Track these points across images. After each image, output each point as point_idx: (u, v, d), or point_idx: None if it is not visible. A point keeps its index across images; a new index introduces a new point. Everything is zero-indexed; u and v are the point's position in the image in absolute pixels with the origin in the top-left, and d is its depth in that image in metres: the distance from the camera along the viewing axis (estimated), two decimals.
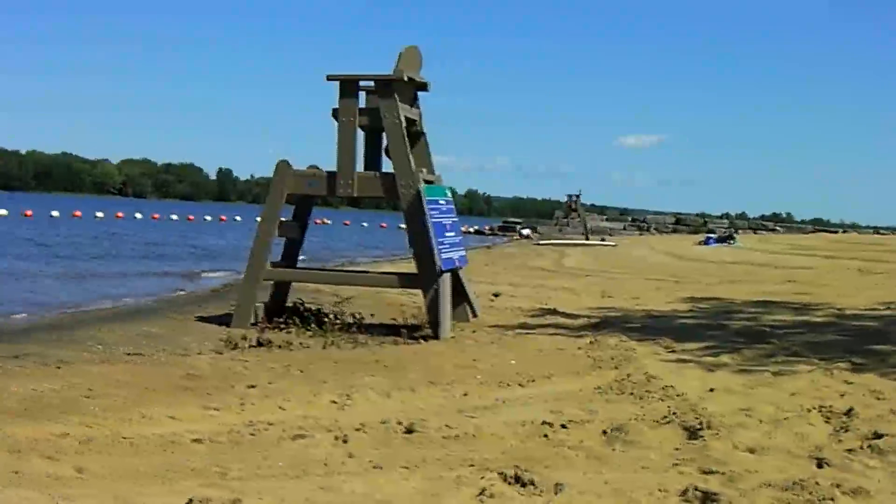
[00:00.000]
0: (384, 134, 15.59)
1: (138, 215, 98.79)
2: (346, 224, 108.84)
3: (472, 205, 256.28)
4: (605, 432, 7.95)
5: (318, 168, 15.95)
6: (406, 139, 15.28)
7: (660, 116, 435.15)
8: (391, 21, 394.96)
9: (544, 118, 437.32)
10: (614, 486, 6.46)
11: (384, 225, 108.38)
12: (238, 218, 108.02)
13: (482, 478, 6.57)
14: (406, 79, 15.41)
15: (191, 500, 5.85)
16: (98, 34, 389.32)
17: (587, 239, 71.07)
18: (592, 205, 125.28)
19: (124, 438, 7.76)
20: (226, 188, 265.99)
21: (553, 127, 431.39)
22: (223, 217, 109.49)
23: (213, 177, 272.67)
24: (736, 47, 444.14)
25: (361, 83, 15.62)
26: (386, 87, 15.33)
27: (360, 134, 15.77)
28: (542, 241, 69.68)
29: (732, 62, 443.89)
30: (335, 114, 15.49)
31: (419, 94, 16.54)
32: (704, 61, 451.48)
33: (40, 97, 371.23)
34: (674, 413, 8.61)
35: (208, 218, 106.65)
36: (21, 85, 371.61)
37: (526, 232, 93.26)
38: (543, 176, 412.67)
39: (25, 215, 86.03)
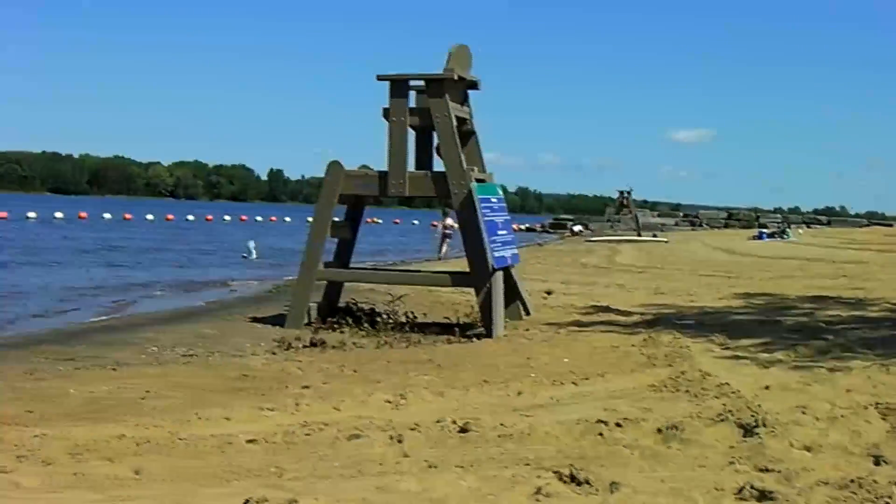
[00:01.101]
0: (435, 133, 15.60)
1: (191, 217, 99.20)
2: (396, 223, 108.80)
3: (523, 202, 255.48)
4: (660, 430, 7.91)
5: (369, 168, 16.00)
6: (457, 138, 15.28)
7: (710, 110, 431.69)
8: (441, 19, 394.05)
9: (594, 114, 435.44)
10: (670, 484, 6.43)
11: (436, 224, 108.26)
12: (288, 219, 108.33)
13: (537, 476, 6.55)
14: (456, 77, 15.41)
15: (248, 501, 5.87)
16: (149, 37, 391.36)
17: (639, 235, 70.68)
18: (644, 200, 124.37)
19: (181, 440, 7.82)
20: (276, 189, 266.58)
21: (603, 122, 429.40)
22: (273, 217, 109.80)
23: (263, 177, 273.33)
24: (787, 39, 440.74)
25: (412, 83, 15.65)
26: (436, 86, 15.34)
27: (411, 133, 15.79)
28: (593, 238, 69.42)
29: (784, 54, 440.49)
30: (386, 114, 15.52)
31: (469, 92, 16.54)
32: (755, 53, 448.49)
33: (92, 100, 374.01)
34: (729, 411, 8.54)
35: (259, 218, 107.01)
36: (73, 88, 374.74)
37: (577, 229, 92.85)
38: (594, 172, 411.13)
39: (80, 217, 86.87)
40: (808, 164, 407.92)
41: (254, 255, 41.72)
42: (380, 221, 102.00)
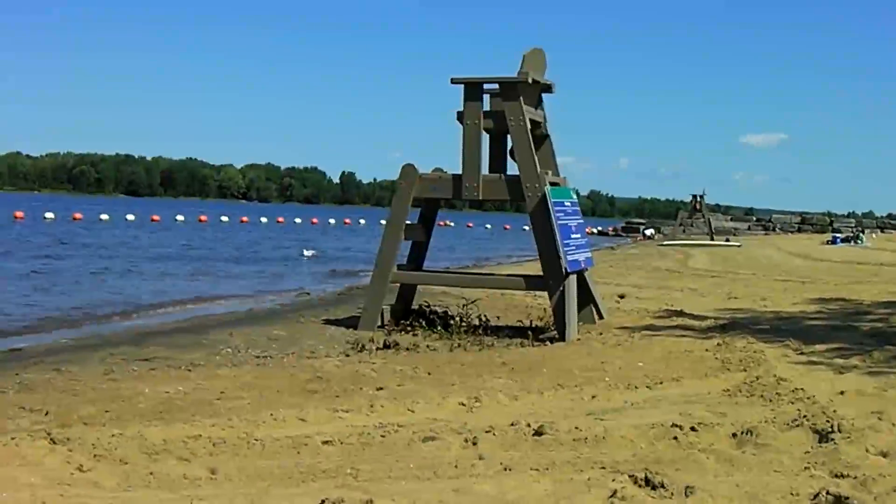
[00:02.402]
0: (509, 136, 15.62)
1: (263, 220, 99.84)
2: (468, 226, 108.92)
3: (595, 206, 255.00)
4: (734, 435, 7.89)
5: (443, 171, 16.05)
6: (531, 141, 15.29)
7: (783, 114, 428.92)
8: (514, 23, 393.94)
9: (667, 119, 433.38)
10: (745, 489, 6.42)
11: (508, 227, 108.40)
12: (362, 221, 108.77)
13: (612, 480, 6.57)
14: (531, 81, 15.41)
15: (324, 501, 5.93)
16: (222, 41, 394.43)
17: (712, 239, 70.22)
18: (717, 205, 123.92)
19: (256, 440, 7.89)
20: (349, 191, 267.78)
21: (675, 126, 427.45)
22: (347, 220, 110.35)
23: (335, 180, 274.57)
24: (859, 42, 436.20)
25: (486, 86, 15.67)
26: (511, 89, 15.35)
27: (485, 137, 15.82)
28: (665, 242, 69.01)
29: (857, 57, 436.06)
30: (460, 117, 15.56)
31: (544, 96, 16.55)
32: (828, 57, 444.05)
33: (166, 103, 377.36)
34: (804, 416, 8.49)
35: (332, 221, 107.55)
36: (147, 92, 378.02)
37: (649, 232, 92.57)
38: (666, 176, 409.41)
39: (152, 220, 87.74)
40: (881, 168, 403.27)
41: (307, 255, 42.61)
42: (452, 224, 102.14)
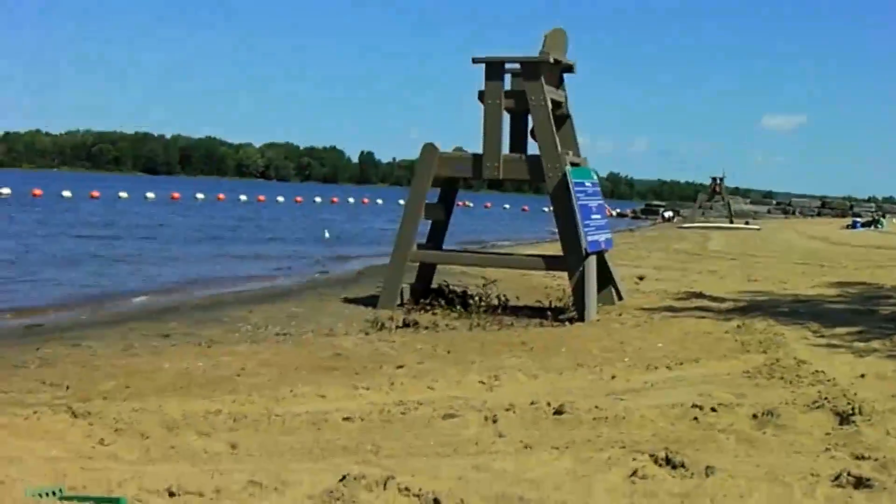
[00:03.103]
0: (530, 116, 15.59)
1: (280, 199, 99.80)
2: (487, 206, 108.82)
3: (614, 188, 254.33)
4: (755, 416, 7.88)
5: (463, 150, 16.03)
6: (552, 121, 15.26)
7: (804, 96, 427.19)
8: (535, 2, 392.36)
9: (686, 99, 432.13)
10: (766, 469, 6.41)
11: (526, 208, 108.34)
12: (380, 201, 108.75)
13: (633, 459, 6.57)
14: (552, 61, 15.38)
15: (345, 476, 5.94)
16: (240, 21, 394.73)
17: (731, 222, 70.22)
18: (736, 188, 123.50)
19: (276, 416, 7.92)
20: (367, 171, 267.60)
21: (695, 108, 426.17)
22: (365, 199, 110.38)
23: (354, 160, 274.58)
24: (881, 24, 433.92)
25: (507, 65, 15.65)
26: (532, 69, 15.33)
27: (506, 116, 15.80)
28: (685, 225, 68.98)
29: (879, 39, 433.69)
30: (481, 96, 15.54)
31: (565, 76, 16.52)
32: (850, 40, 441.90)
33: (186, 82, 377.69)
34: (825, 398, 8.49)
35: (351, 200, 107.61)
36: (166, 69, 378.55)
37: (668, 215, 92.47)
38: (686, 158, 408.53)
39: (172, 198, 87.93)
40: None
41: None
42: (471, 205, 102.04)
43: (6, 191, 76.16)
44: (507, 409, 8.00)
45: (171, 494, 5.65)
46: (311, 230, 48.95)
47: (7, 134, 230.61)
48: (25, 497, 5.32)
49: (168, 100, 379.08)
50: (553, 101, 15.53)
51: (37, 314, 16.03)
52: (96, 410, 7.82)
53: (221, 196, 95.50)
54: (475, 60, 15.53)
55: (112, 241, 34.68)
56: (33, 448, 6.73)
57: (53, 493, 5.41)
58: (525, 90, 15.32)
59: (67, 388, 9.25)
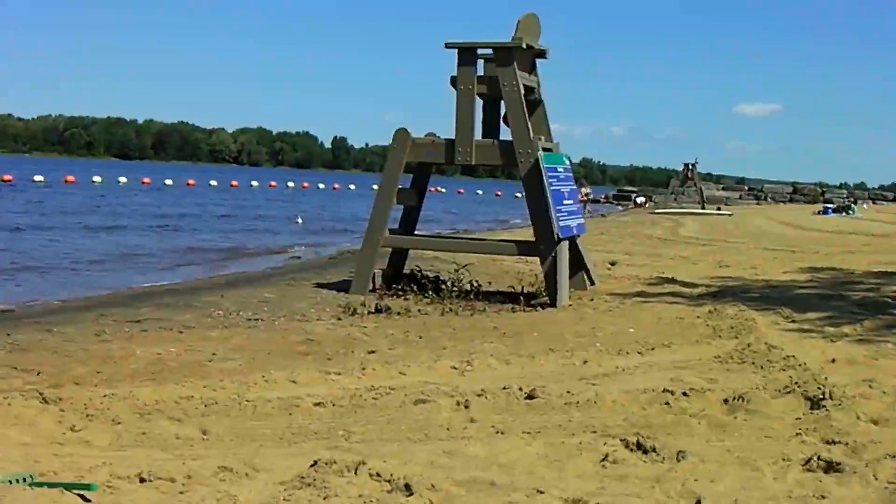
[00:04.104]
0: (502, 102, 15.58)
1: (254, 183, 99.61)
2: (460, 192, 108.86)
3: (586, 173, 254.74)
4: (726, 401, 7.90)
5: (436, 136, 16.01)
6: (525, 107, 15.26)
7: (778, 84, 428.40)
8: None
9: (661, 86, 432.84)
10: (737, 454, 6.44)
11: (499, 193, 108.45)
12: (352, 186, 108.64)
13: (604, 444, 6.60)
14: (525, 46, 15.37)
15: (316, 462, 5.93)
16: (212, 4, 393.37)
17: (703, 208, 70.37)
18: (709, 174, 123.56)
19: (248, 401, 7.91)
20: (340, 156, 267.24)
21: (669, 95, 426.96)
22: (336, 185, 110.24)
23: (327, 145, 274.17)
24: (857, 12, 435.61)
25: (480, 51, 15.61)
26: (505, 54, 15.31)
27: (479, 102, 15.78)
28: (657, 210, 69.15)
29: (854, 29, 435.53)
30: (453, 82, 15.51)
31: (537, 61, 16.51)
32: (825, 28, 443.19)
33: (156, 66, 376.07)
34: (795, 383, 8.49)
35: (321, 186, 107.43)
36: (137, 53, 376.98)
37: (640, 200, 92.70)
38: (658, 144, 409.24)
39: (143, 182, 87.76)
40: (875, 140, 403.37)
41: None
42: (443, 190, 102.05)
43: None
44: (479, 395, 7.99)
45: (143, 480, 5.64)
46: (283, 215, 48.88)
47: None
48: None
49: (141, 85, 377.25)
50: (525, 87, 15.51)
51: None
52: (67, 396, 7.78)
53: (191, 181, 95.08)
54: (448, 45, 15.50)
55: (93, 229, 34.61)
56: (4, 434, 6.71)
57: (24, 480, 5.38)
58: (498, 76, 15.29)
59: (38, 373, 9.21)
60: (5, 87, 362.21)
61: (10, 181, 74.29)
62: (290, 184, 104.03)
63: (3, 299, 16.04)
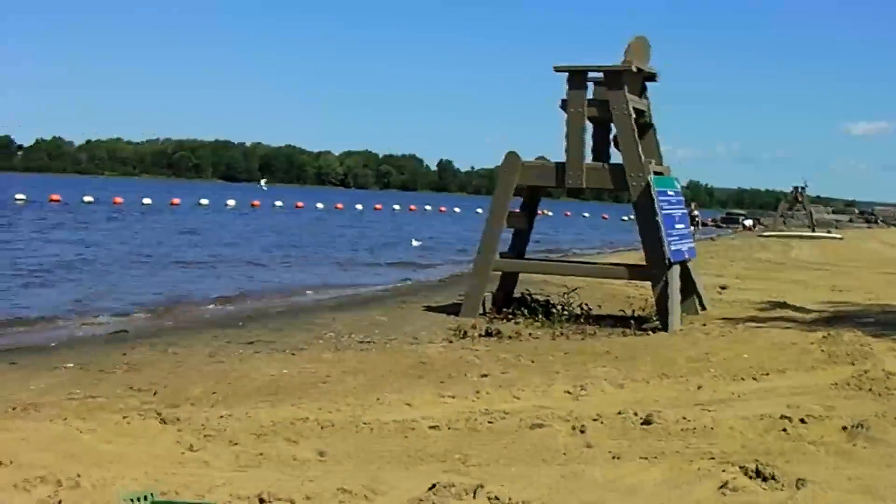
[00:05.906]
0: (612, 125, 15.53)
1: (359, 206, 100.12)
2: (566, 215, 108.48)
3: (694, 196, 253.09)
4: (845, 428, 7.78)
5: (546, 159, 15.99)
6: (635, 130, 15.19)
7: (885, 102, 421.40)
8: (617, 10, 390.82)
9: (767, 107, 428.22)
10: (859, 482, 6.35)
11: (606, 216, 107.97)
12: (457, 209, 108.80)
13: (723, 471, 6.54)
14: (635, 69, 15.32)
15: (435, 485, 5.96)
16: (320, 29, 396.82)
17: (813, 231, 69.53)
18: (817, 196, 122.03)
19: (364, 423, 7.95)
20: (446, 179, 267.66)
21: (776, 116, 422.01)
22: (443, 208, 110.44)
23: (433, 168, 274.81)
24: None
25: (590, 74, 15.59)
26: (615, 78, 15.27)
27: (589, 125, 15.74)
28: (766, 233, 68.42)
29: None
30: (563, 105, 15.50)
31: (648, 84, 16.44)
32: None
33: (265, 91, 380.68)
34: None
35: (428, 208, 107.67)
36: (246, 79, 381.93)
37: (749, 223, 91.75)
38: (766, 166, 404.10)
39: (252, 205, 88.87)
40: None
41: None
42: (550, 213, 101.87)
43: (88, 199, 77.60)
44: (595, 419, 7.97)
45: (262, 501, 5.71)
46: (398, 239, 49.16)
47: (89, 142, 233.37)
48: (118, 501, 5.38)
49: (248, 108, 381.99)
50: (636, 110, 15.45)
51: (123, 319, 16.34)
52: (185, 416, 7.91)
53: (300, 204, 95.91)
54: (557, 69, 15.50)
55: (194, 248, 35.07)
56: (123, 453, 6.81)
57: (145, 498, 5.46)
58: (608, 99, 15.25)
59: (155, 393, 9.37)
60: (117, 111, 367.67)
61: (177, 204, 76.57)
62: (397, 207, 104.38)
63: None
